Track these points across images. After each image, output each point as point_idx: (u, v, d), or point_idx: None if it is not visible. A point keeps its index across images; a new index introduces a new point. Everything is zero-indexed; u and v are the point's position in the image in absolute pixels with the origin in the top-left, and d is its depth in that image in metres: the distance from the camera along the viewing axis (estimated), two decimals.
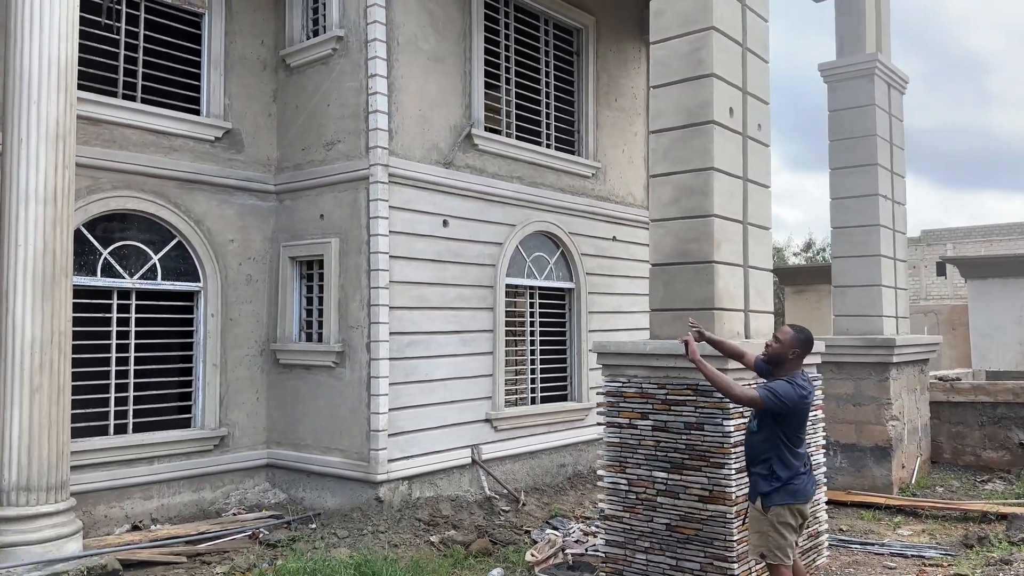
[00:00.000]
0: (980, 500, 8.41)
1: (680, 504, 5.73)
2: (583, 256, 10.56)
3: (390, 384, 7.99)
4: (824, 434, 6.90)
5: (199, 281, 8.55)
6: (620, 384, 6.12)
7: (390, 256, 8.05)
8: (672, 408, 5.83)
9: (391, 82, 8.15)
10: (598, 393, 6.43)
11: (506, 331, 9.48)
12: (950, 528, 7.70)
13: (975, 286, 16.73)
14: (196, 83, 8.74)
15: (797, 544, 4.91)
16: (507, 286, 9.47)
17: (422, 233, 8.42)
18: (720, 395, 5.57)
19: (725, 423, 5.56)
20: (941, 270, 47.84)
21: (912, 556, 6.78)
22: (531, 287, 9.96)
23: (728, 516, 5.50)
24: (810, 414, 5.15)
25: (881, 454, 9.18)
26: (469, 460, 8.79)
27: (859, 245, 9.65)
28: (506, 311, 9.47)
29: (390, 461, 7.97)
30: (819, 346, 6.83)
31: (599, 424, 6.29)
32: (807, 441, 5.04)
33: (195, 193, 8.49)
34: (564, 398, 10.39)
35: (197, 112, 8.68)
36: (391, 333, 8.03)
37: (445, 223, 8.67)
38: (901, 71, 10.22)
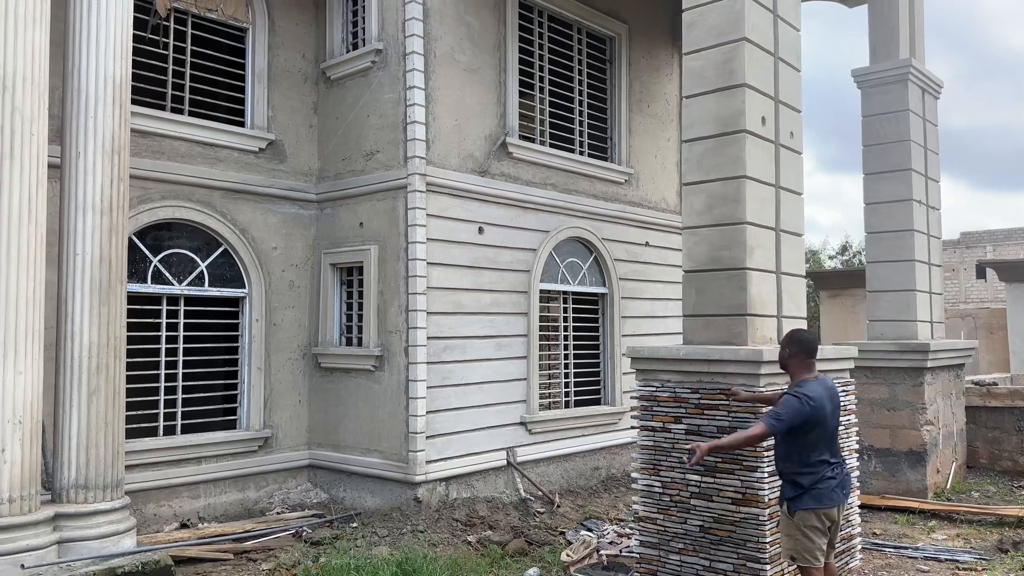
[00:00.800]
0: (1017, 505, 8.38)
1: (713, 506, 5.85)
2: (616, 261, 10.69)
3: (427, 387, 8.20)
4: (858, 439, 6.96)
5: (244, 287, 8.84)
6: (654, 388, 6.25)
7: (427, 263, 8.27)
8: (705, 412, 5.94)
9: (428, 93, 8.37)
10: (632, 397, 6.56)
11: (540, 335, 9.64)
12: (985, 533, 7.69)
13: (1014, 289, 16.52)
14: (241, 95, 9.05)
15: (832, 545, 5.00)
16: (541, 291, 9.64)
17: (458, 240, 8.62)
18: (751, 401, 5.68)
19: None
20: (981, 273, 47.02)
21: (946, 560, 6.81)
22: (564, 292, 10.12)
23: (761, 518, 5.60)
24: (840, 418, 5.23)
25: (916, 459, 9.18)
26: (504, 462, 8.96)
27: (893, 250, 9.65)
28: (540, 316, 9.64)
29: (428, 463, 8.18)
30: (851, 351, 6.91)
31: (633, 428, 6.42)
32: (838, 445, 5.12)
33: (240, 202, 8.79)
34: (597, 402, 10.53)
35: (242, 124, 8.98)
36: (428, 338, 8.24)
37: (480, 230, 8.87)
38: (935, 76, 10.21)
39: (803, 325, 6.84)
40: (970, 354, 10.32)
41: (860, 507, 6.92)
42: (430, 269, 8.31)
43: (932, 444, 9.29)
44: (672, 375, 6.18)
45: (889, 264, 9.70)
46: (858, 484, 6.93)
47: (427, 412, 8.19)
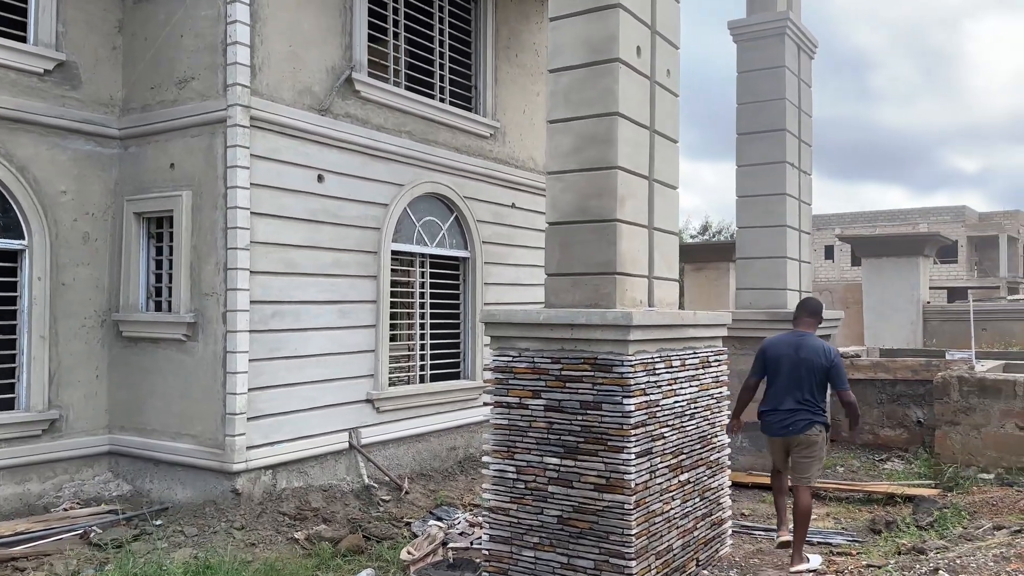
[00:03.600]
0: (884, 482, 8.12)
1: (573, 494, 5.02)
2: (479, 223, 9.73)
3: (250, 360, 6.96)
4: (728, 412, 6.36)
5: (23, 239, 7.24)
6: (510, 359, 5.34)
7: (251, 213, 7.00)
8: (567, 385, 5.09)
9: (254, 11, 7.05)
10: (485, 369, 5.64)
11: (392, 302, 8.57)
12: (855, 511, 7.34)
13: (870, 264, 16.88)
14: (23, 5, 7.36)
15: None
16: (393, 253, 8.55)
17: (292, 188, 7.39)
18: (620, 371, 4.88)
19: (625, 402, 4.87)
20: (829, 253, 49.72)
21: (818, 543, 6.32)
22: (421, 255, 9.07)
23: (627, 507, 4.82)
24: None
25: None
26: (346, 445, 7.86)
27: (765, 215, 9.21)
28: (392, 280, 8.56)
29: (249, 448, 6.97)
30: (725, 317, 6.29)
31: (486, 404, 5.49)
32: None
33: (18, 134, 7.17)
34: (456, 376, 9.58)
35: (23, 39, 7.31)
36: (252, 302, 7.00)
37: (320, 178, 7.66)
38: (811, 34, 9.82)
39: (675, 289, 6.14)
40: (837, 325, 10.09)
41: (729, 486, 6.33)
42: (255, 221, 7.05)
43: None
44: (531, 343, 5.29)
45: (760, 230, 9.25)
46: (729, 462, 6.35)
47: (249, 389, 6.96)
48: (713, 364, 6.05)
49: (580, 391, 5.03)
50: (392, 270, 8.55)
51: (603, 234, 5.29)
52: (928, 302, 17.04)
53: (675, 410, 5.42)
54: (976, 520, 6.33)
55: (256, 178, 7.05)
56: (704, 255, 18.51)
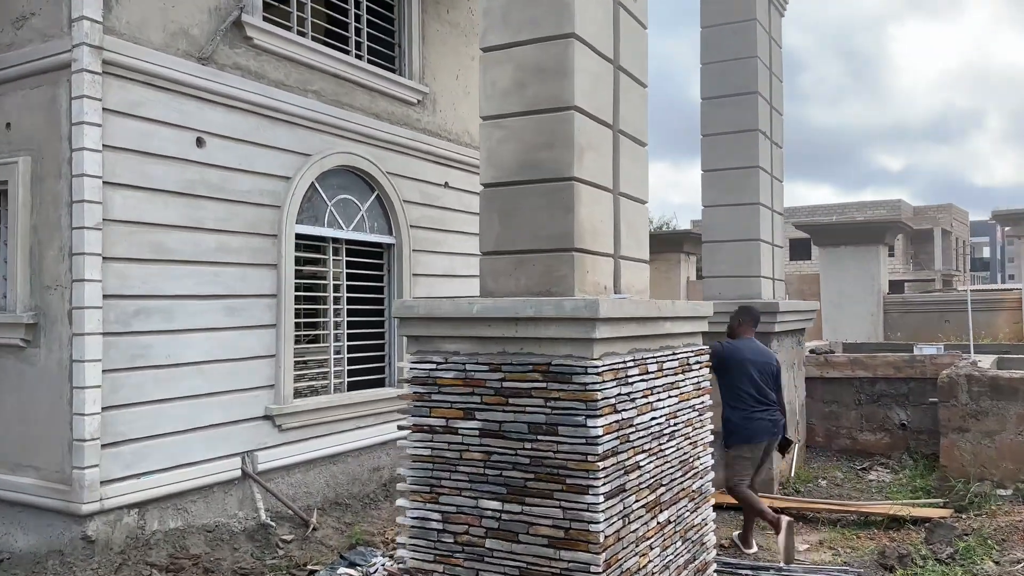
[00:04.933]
0: (885, 501, 6.96)
1: (520, 551, 3.68)
2: (406, 204, 8.32)
3: (105, 371, 5.43)
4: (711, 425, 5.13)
5: None
6: (433, 367, 3.97)
7: (104, 183, 5.46)
8: (511, 401, 3.75)
9: None
10: (401, 381, 4.25)
11: (299, 297, 7.10)
12: (852, 537, 6.18)
13: (827, 254, 16.01)
14: None
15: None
16: (299, 237, 7.07)
17: (161, 153, 5.87)
18: (583, 380, 3.57)
19: (591, 423, 3.56)
20: None
21: None
22: (335, 240, 7.61)
23: (594, 569, 3.51)
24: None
25: None
26: (239, 473, 6.38)
27: (735, 191, 8.03)
28: (298, 271, 7.10)
29: (105, 483, 5.44)
30: (706, 308, 5.04)
31: (402, 428, 4.11)
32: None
33: None
34: (381, 383, 8.12)
35: None
36: (107, 296, 5.47)
37: (200, 142, 6.15)
38: None
39: (646, 273, 4.88)
40: (812, 317, 9.00)
41: (712, 518, 5.09)
42: (110, 193, 5.51)
43: None
44: (462, 344, 3.94)
45: (729, 208, 8.06)
46: (713, 489, 5.10)
47: (104, 408, 5.43)
48: (694, 367, 4.79)
49: (528, 409, 3.70)
50: (298, 258, 7.08)
51: (556, 197, 3.97)
52: (887, 293, 16.26)
53: (652, 430, 4.13)
54: (1008, 551, 5.23)
55: (112, 139, 5.51)
56: (653, 246, 17.42)
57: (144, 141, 5.75)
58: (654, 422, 4.15)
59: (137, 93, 5.71)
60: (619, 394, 3.77)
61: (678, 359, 4.55)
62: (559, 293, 3.94)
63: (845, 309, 15.39)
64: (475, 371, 3.84)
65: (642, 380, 4.03)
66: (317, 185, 7.28)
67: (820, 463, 8.71)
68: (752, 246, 7.98)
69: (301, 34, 7.24)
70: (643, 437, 4.01)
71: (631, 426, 3.88)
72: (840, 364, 9.22)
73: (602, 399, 3.59)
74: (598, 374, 3.58)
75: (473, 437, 3.82)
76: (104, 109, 5.47)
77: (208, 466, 6.15)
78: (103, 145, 5.45)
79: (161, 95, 5.88)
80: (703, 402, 4.91)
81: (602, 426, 3.58)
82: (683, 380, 4.59)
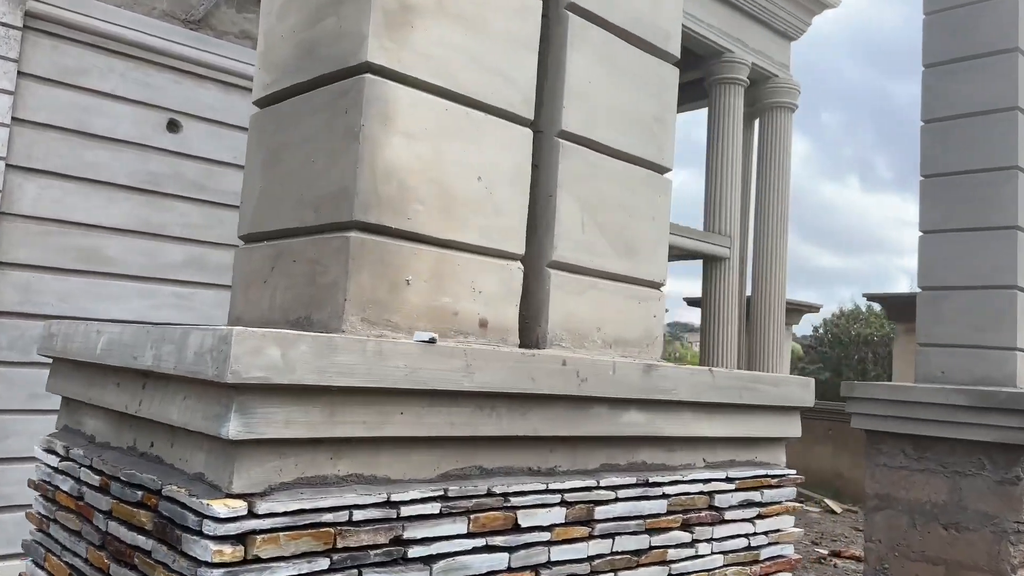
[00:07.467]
0: None
1: None
2: None
3: None
4: None
5: None
6: (56, 463, 1.90)
7: (8, 165, 4.23)
8: (111, 571, 1.55)
9: None
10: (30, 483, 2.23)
11: None
12: None
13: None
14: None
15: None
16: None
17: (110, 136, 4.54)
18: (194, 555, 1.25)
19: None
20: None
21: None
22: None
23: None
24: None
25: None
26: None
27: (975, 208, 4.72)
28: None
29: None
30: (792, 389, 2.30)
31: None
32: None
33: None
34: None
35: None
36: None
37: (174, 125, 4.76)
38: None
39: (642, 299, 2.33)
40: None
41: None
42: (18, 180, 4.25)
43: None
44: (98, 420, 1.84)
45: (964, 236, 4.77)
46: None
47: None
48: (748, 516, 2.11)
49: None
50: None
51: (337, 109, 1.75)
52: None
53: None
54: None
55: (31, 112, 4.29)
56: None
57: (84, 119, 4.48)
58: None
59: (79, 58, 4.48)
60: None
61: (690, 496, 1.94)
62: (322, 323, 1.69)
63: None
64: (88, 483, 1.72)
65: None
66: None
67: None
68: (1004, 296, 4.58)
69: None
70: None
71: None
72: None
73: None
74: (229, 542, 1.26)
75: None
76: (21, 73, 4.29)
77: None
78: (12, 118, 4.25)
79: (118, 63, 4.60)
80: None
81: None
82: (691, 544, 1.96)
